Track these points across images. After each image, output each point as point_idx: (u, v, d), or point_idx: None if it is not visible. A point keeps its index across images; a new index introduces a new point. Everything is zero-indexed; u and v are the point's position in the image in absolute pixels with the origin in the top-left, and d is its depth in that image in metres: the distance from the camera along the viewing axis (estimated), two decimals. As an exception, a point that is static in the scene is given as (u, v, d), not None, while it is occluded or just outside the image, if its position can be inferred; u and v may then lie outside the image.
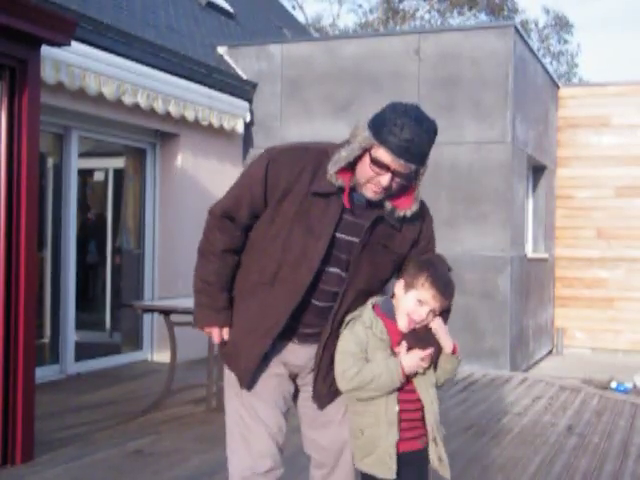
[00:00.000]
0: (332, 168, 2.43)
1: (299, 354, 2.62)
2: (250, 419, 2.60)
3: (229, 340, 2.62)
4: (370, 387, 2.50)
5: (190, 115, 8.13)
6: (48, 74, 6.14)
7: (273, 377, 2.62)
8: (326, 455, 2.69)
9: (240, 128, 9.10)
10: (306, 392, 2.69)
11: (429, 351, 2.52)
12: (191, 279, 2.67)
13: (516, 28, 8.65)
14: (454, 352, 2.57)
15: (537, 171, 10.58)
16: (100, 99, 7.01)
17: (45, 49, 4.85)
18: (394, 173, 2.37)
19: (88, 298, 8.30)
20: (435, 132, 2.40)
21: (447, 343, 2.56)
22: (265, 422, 2.60)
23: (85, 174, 8.25)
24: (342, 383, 2.54)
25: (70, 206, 7.33)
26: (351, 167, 2.45)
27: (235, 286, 2.64)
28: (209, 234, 2.61)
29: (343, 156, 2.42)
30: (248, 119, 9.27)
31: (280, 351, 2.61)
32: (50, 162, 7.45)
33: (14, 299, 4.45)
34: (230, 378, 2.67)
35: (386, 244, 2.54)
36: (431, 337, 2.55)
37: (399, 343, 2.54)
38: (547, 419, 6.18)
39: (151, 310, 6.25)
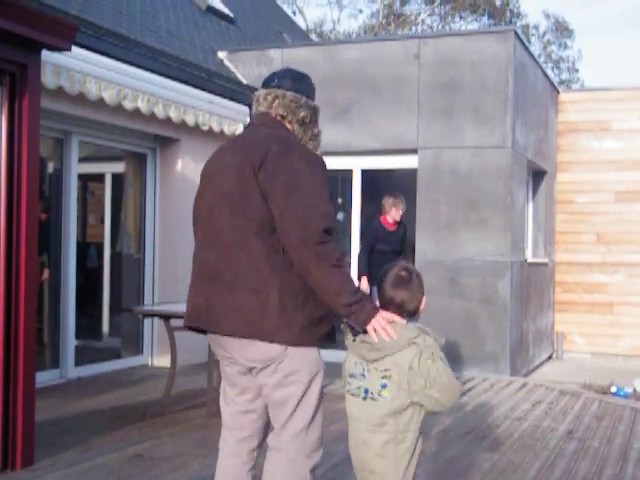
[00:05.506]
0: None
1: None
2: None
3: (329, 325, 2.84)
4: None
5: (190, 120, 8.13)
6: (48, 79, 6.15)
7: None
8: None
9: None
10: None
11: None
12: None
13: (516, 33, 8.66)
14: None
15: (537, 176, 10.58)
16: (100, 104, 7.02)
17: (45, 54, 4.86)
18: None
19: (88, 303, 8.30)
20: None
21: None
22: None
23: (85, 179, 8.26)
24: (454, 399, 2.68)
25: (70, 211, 7.35)
26: None
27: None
28: (334, 249, 2.66)
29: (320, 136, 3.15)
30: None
31: None
32: (50, 167, 7.46)
33: (14, 303, 4.45)
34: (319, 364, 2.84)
35: None
36: None
37: None
38: (547, 424, 6.18)
39: (151, 315, 6.26)
